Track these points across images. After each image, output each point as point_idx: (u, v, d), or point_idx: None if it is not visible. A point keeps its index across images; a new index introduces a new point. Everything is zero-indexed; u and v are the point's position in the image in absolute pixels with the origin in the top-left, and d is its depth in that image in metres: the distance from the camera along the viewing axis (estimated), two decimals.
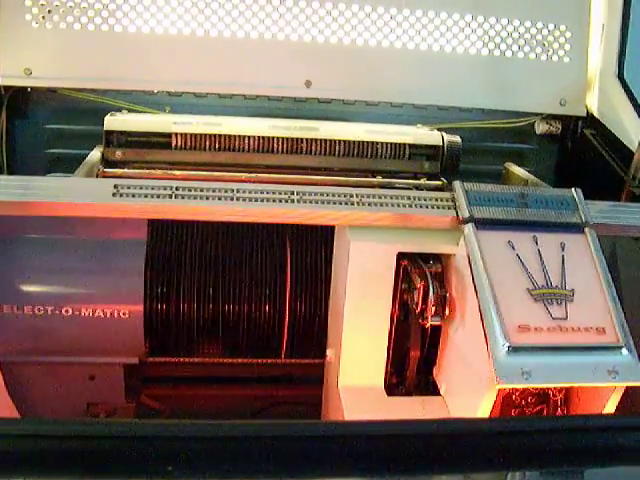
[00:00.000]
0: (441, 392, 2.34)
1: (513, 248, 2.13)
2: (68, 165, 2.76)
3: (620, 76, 3.21)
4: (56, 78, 3.05)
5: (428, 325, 2.23)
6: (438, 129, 3.10)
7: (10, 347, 2.52)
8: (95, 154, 2.82)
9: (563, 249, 2.15)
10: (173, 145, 2.84)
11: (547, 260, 2.11)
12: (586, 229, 2.21)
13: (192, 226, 2.70)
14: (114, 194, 2.19)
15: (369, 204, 2.26)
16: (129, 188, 2.20)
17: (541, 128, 3.38)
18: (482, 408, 1.98)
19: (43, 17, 2.98)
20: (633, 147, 2.83)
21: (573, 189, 2.31)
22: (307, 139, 2.88)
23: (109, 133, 2.82)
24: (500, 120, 3.34)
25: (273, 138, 2.87)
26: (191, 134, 2.84)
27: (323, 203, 2.25)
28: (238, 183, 2.30)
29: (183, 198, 2.20)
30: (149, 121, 2.92)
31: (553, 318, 2.00)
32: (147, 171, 2.76)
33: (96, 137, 2.89)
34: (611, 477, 1.77)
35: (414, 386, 2.42)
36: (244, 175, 2.75)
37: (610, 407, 2.00)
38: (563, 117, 3.37)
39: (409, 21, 3.17)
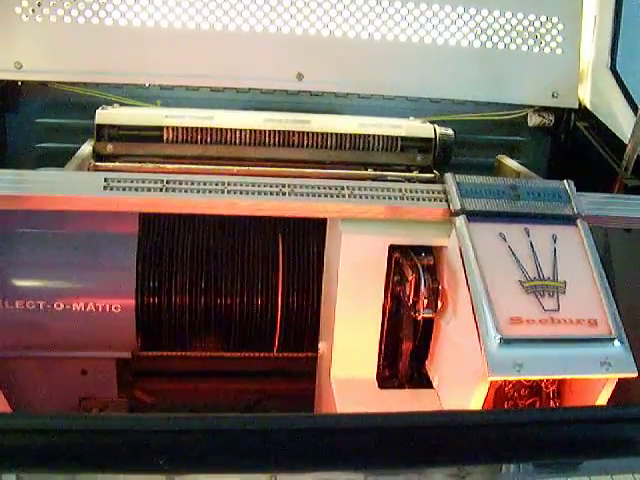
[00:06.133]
0: (433, 384, 2.34)
1: (505, 240, 2.12)
2: (59, 159, 2.75)
3: (612, 68, 3.21)
4: (47, 72, 3.03)
5: (420, 317, 2.23)
6: (430, 122, 3.09)
7: (2, 342, 2.51)
8: (86, 148, 2.82)
9: (555, 241, 2.15)
10: (165, 138, 2.83)
11: (539, 252, 2.11)
12: (578, 221, 2.21)
13: (184, 219, 2.69)
14: (105, 187, 2.17)
15: (361, 197, 2.25)
16: (120, 182, 2.19)
17: (533, 120, 3.38)
18: (475, 400, 1.98)
19: (33, 10, 2.96)
20: (625, 139, 2.82)
21: (565, 181, 2.31)
22: (299, 132, 2.88)
23: (100, 127, 2.80)
24: (492, 112, 3.34)
25: (265, 131, 2.86)
26: (183, 127, 2.83)
27: (315, 196, 2.24)
28: (229, 176, 2.29)
29: (174, 191, 2.19)
30: (141, 115, 2.91)
31: (545, 310, 2.00)
32: (138, 165, 2.75)
33: (87, 131, 2.88)
34: (604, 469, 1.78)
35: (406, 378, 2.42)
36: (236, 168, 2.74)
37: (603, 399, 2.00)
38: (555, 109, 3.36)
39: (401, 13, 3.16)
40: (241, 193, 2.22)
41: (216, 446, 1.56)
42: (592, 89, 3.28)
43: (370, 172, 2.87)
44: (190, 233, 2.68)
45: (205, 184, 2.22)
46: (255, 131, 2.85)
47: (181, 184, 2.21)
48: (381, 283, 2.29)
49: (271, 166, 2.80)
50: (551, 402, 2.16)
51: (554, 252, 2.12)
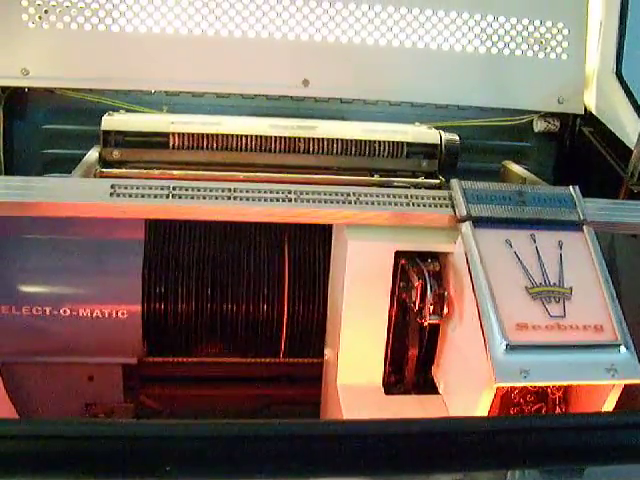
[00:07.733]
0: (440, 391, 2.34)
1: (511, 246, 2.12)
2: (66, 165, 2.76)
3: (618, 73, 3.21)
4: (53, 78, 3.03)
5: (426, 324, 2.23)
6: (436, 127, 3.09)
7: (8, 348, 2.52)
8: (93, 154, 2.82)
9: (561, 247, 2.15)
10: (171, 145, 2.83)
11: (545, 258, 2.11)
12: (584, 227, 2.21)
13: (190, 226, 2.69)
14: (111, 194, 2.18)
15: (367, 203, 2.26)
16: (126, 188, 2.20)
17: (539, 126, 3.37)
18: (481, 406, 1.98)
19: (40, 17, 2.96)
20: (631, 144, 2.82)
21: (571, 187, 2.31)
22: (305, 138, 2.87)
23: (106, 133, 2.81)
24: (498, 118, 3.33)
25: (271, 137, 2.86)
26: (189, 134, 2.83)
27: (321, 202, 2.25)
28: (235, 183, 2.30)
29: (180, 198, 2.20)
30: (147, 121, 2.91)
31: (551, 316, 2.00)
32: (145, 171, 2.75)
33: (94, 137, 2.88)
34: (610, 475, 1.77)
35: (412, 385, 2.42)
36: (242, 175, 2.74)
37: (609, 405, 2.00)
38: (561, 115, 3.36)
39: (406, 19, 3.16)
40: (247, 199, 2.23)
41: (222, 452, 1.55)
42: (598, 94, 3.28)
43: (376, 178, 2.87)
44: (196, 239, 2.68)
45: (211, 190, 2.23)
46: (261, 137, 2.85)
47: (187, 190, 2.22)
48: (387, 289, 2.29)
49: (277, 172, 2.79)
50: (557, 408, 2.15)
51: (560, 258, 2.12)
